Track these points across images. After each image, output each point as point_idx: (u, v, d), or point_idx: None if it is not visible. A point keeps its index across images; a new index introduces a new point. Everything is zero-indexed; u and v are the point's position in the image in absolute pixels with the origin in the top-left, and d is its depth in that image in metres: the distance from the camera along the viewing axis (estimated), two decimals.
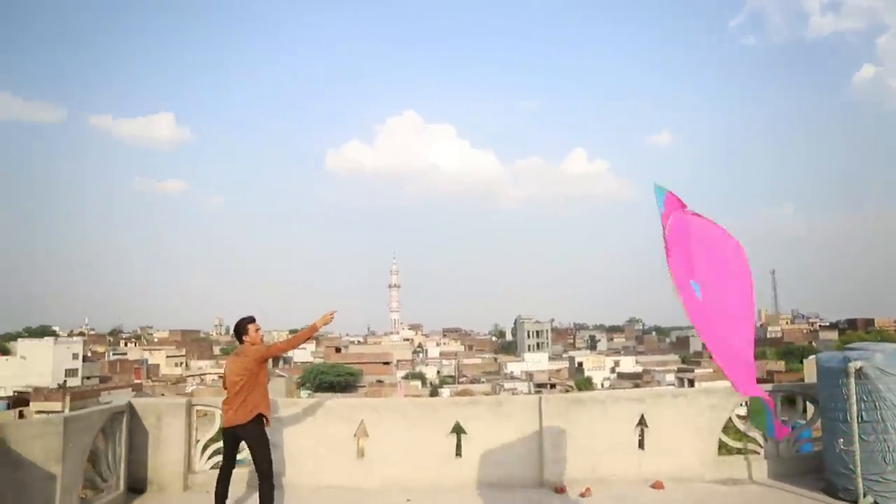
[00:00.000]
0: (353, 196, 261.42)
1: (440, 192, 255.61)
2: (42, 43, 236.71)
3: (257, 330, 5.72)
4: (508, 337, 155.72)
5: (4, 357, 75.70)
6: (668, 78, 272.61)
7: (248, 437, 5.47)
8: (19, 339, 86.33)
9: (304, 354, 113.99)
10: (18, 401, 53.22)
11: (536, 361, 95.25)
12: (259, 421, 5.49)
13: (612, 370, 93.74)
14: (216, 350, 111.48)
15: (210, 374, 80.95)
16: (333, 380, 71.00)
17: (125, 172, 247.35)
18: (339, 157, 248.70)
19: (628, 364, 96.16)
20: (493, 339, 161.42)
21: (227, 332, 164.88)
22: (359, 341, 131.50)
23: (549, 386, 71.01)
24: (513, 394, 59.51)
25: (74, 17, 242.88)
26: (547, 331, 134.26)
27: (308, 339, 6.12)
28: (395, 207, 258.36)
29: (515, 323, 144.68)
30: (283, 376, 65.18)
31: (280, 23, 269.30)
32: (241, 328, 5.65)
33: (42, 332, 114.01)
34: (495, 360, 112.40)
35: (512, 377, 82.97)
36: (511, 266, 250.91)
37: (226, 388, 5.60)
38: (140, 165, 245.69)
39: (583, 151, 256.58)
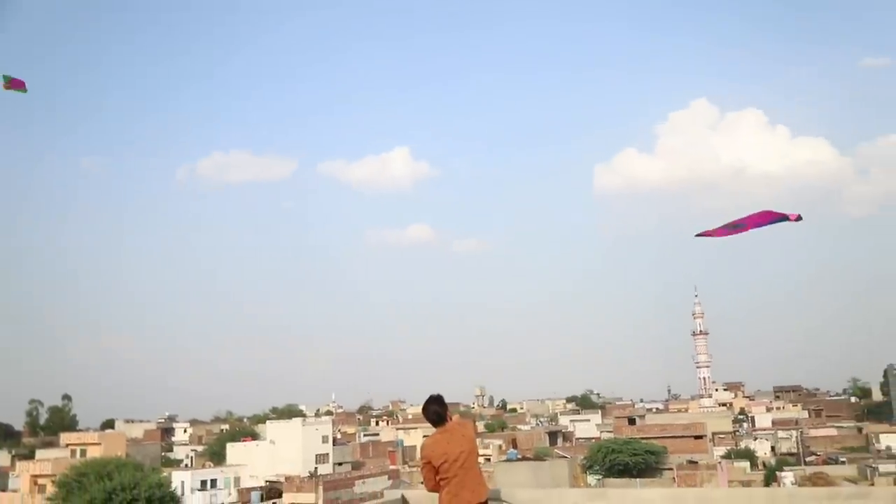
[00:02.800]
0: (633, 221, 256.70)
1: (751, 201, 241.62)
2: (269, 98, 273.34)
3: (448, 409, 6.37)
4: (876, 396, 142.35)
5: (255, 443, 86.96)
6: None
7: None
8: (267, 422, 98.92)
9: (588, 428, 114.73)
10: (271, 492, 60.67)
11: None
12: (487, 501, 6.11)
13: None
14: (480, 427, 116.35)
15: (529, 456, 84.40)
16: (629, 460, 70.01)
17: (360, 220, 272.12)
18: (610, 172, 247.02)
19: None
20: (853, 399, 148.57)
21: (492, 403, 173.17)
22: (658, 409, 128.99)
23: None
24: (895, 481, 53.41)
25: (295, 71, 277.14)
26: None
27: None
28: (692, 230, 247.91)
29: (886, 375, 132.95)
30: (563, 457, 65.87)
31: (518, 27, 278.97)
32: (443, 409, 6.24)
33: (289, 412, 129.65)
34: (859, 430, 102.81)
35: (890, 455, 74.93)
36: (867, 291, 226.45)
37: (439, 472, 6.01)
38: (375, 210, 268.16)
39: None
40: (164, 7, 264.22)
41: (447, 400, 6.34)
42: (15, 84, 11.93)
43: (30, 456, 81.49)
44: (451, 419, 6.27)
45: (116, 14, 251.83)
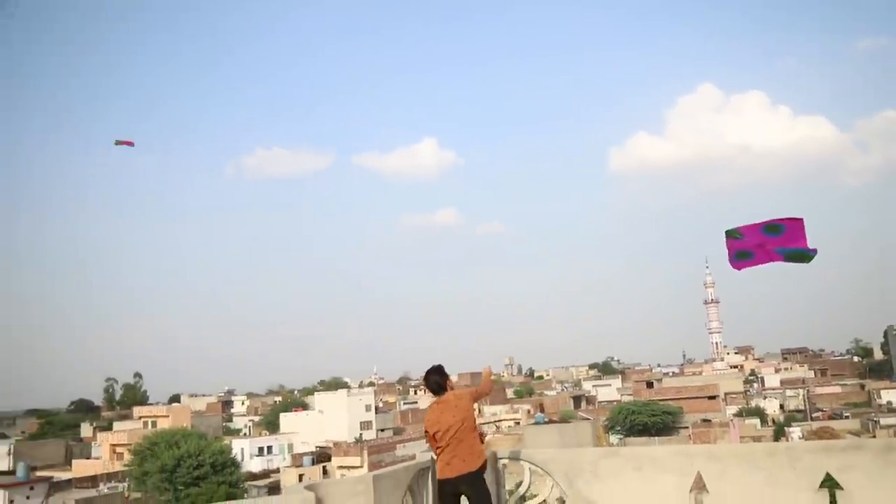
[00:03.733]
0: (646, 199, 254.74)
1: (757, 177, 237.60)
2: (305, 95, 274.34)
3: (449, 379, 6.26)
4: (877, 355, 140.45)
5: (305, 413, 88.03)
6: None
7: (475, 488, 5.77)
8: (316, 394, 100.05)
9: (609, 392, 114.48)
10: (321, 456, 61.40)
11: None
12: (485, 469, 5.93)
13: None
14: (509, 393, 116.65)
15: (506, 419, 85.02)
16: (647, 420, 69.90)
17: (393, 207, 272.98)
18: (624, 155, 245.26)
19: None
20: (855, 359, 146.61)
21: (520, 371, 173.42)
22: (674, 373, 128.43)
23: None
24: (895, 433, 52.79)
25: (326, 69, 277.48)
26: None
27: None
28: (701, 205, 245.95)
29: (887, 335, 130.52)
30: (587, 419, 65.72)
31: (535, 18, 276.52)
32: (443, 379, 6.17)
33: (335, 384, 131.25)
34: (862, 386, 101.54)
35: (890, 409, 74.02)
36: (867, 258, 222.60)
37: (435, 440, 5.97)
38: (407, 197, 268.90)
39: None
40: (206, 16, 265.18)
41: (478, 369, 6.38)
42: (126, 143, 12.27)
43: (108, 428, 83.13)
44: (451, 388, 6.15)
45: (166, 24, 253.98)
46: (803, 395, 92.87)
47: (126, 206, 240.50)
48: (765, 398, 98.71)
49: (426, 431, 6.18)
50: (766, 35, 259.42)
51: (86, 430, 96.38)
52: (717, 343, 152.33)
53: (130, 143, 12.56)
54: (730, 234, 7.67)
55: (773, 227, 7.46)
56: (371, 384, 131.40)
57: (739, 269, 7.90)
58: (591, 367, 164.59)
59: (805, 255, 7.52)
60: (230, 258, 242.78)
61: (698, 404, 76.48)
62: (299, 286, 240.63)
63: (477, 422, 6.13)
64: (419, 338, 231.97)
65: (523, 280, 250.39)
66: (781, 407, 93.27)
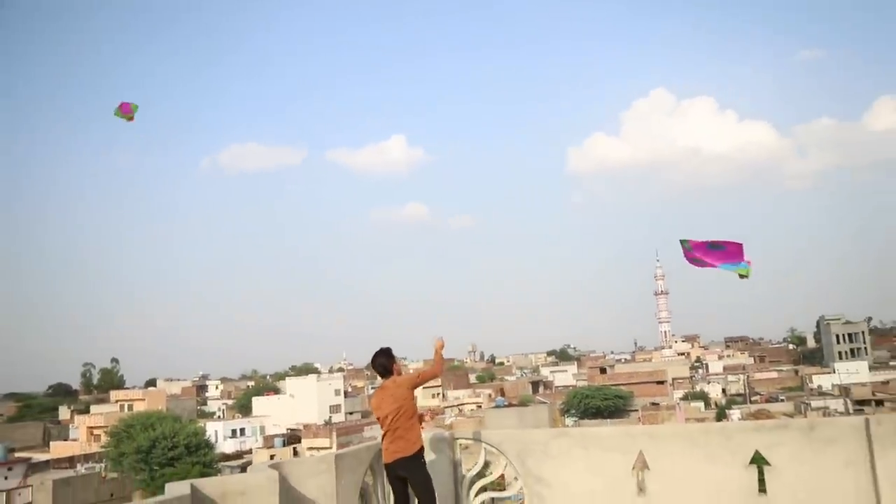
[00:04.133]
0: (602, 197, 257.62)
1: (705, 178, 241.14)
2: (279, 91, 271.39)
3: (396, 361, 6.09)
4: (810, 343, 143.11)
5: (277, 396, 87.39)
6: None
7: (412, 471, 5.76)
8: (287, 378, 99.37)
9: (565, 378, 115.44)
10: (291, 438, 61.11)
11: (852, 372, 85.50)
12: (422, 454, 5.83)
13: None
14: (472, 378, 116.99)
15: (468, 403, 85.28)
16: (601, 404, 70.73)
17: (364, 201, 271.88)
18: (582, 155, 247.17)
19: None
20: (791, 346, 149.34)
21: (482, 358, 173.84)
22: (626, 359, 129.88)
23: (873, 403, 63.31)
24: (824, 414, 54.07)
25: (301, 65, 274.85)
26: (863, 333, 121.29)
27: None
28: (653, 203, 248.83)
29: (819, 325, 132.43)
30: (544, 402, 66.31)
31: (499, 18, 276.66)
32: (389, 362, 6.01)
33: (306, 370, 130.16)
34: (796, 372, 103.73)
35: (821, 393, 75.62)
36: (804, 254, 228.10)
37: (381, 424, 5.90)
38: (377, 192, 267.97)
39: (891, 100, 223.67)
40: (183, 14, 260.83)
41: (443, 355, 6.25)
42: (125, 110, 11.38)
43: (85, 411, 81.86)
44: (397, 372, 6.03)
45: (141, 22, 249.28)
46: (743, 381, 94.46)
47: (103, 200, 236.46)
48: (708, 383, 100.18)
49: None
50: (716, 43, 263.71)
51: (64, 413, 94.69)
52: (665, 332, 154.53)
53: (130, 116, 11.73)
54: (682, 243, 8.26)
55: (716, 245, 8.08)
56: (340, 370, 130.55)
57: (694, 265, 8.53)
58: (549, 353, 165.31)
59: (744, 271, 8.08)
60: (206, 250, 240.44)
61: (648, 389, 77.57)
62: (273, 277, 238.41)
63: (416, 408, 5.98)
64: (388, 327, 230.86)
65: (488, 272, 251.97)
66: (724, 391, 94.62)
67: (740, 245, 7.99)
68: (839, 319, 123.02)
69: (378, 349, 6.13)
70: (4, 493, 41.91)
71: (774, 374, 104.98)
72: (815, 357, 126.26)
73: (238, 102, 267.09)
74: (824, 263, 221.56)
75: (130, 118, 11.44)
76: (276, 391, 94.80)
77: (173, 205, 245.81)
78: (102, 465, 52.43)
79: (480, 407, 76.61)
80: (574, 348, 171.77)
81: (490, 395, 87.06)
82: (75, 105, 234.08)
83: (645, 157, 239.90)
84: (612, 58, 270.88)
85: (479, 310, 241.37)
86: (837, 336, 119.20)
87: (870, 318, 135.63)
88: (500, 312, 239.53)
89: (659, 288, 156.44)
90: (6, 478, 46.40)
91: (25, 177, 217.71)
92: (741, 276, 8.05)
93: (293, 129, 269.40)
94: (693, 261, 8.29)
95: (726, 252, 8.00)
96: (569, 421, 69.26)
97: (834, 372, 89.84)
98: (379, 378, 6.17)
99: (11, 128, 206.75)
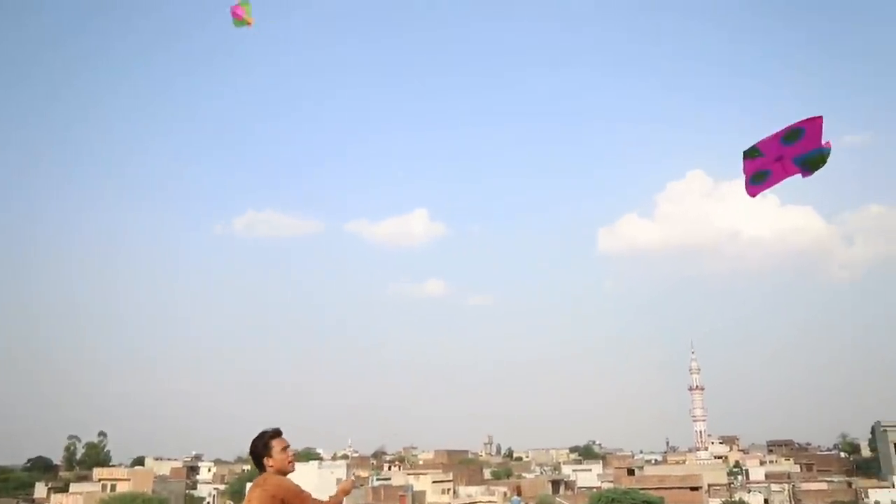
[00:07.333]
0: (633, 281, 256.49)
1: (746, 265, 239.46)
2: (299, 160, 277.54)
3: (284, 448, 5.01)
4: (865, 452, 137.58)
5: None
6: None
7: None
8: None
9: (589, 478, 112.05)
10: None
11: None
12: None
13: None
14: (487, 474, 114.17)
15: (481, 501, 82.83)
16: None
17: (382, 275, 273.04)
18: (613, 235, 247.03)
19: None
20: (842, 454, 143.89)
21: (499, 451, 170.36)
22: (656, 460, 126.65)
23: None
24: None
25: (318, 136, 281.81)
26: None
27: None
28: (689, 289, 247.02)
29: (874, 431, 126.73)
30: None
31: (531, 93, 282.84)
32: (261, 449, 4.93)
33: (307, 455, 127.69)
34: (849, 484, 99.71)
35: None
36: (856, 351, 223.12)
37: None
38: (396, 266, 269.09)
39: None
40: (200, 76, 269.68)
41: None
42: (237, 15, 11.21)
43: (64, 489, 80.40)
44: (269, 466, 4.98)
45: (154, 79, 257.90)
46: (788, 491, 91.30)
47: (110, 259, 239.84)
48: (749, 491, 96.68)
49: None
50: (754, 125, 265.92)
51: (40, 490, 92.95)
52: (701, 431, 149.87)
53: (247, 20, 11.54)
54: (748, 154, 7.48)
55: (792, 134, 7.25)
56: (345, 456, 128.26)
57: (754, 194, 7.92)
58: (573, 450, 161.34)
59: (821, 157, 7.44)
60: (209, 319, 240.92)
61: (681, 495, 74.91)
62: (277, 350, 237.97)
63: None
64: (399, 410, 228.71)
65: (507, 355, 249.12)
66: (766, 502, 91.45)
67: (819, 119, 7.19)
68: None
69: (262, 431, 5.08)
70: None
71: (824, 486, 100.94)
72: (871, 467, 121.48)
73: (258, 169, 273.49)
74: (879, 362, 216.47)
75: (248, 22, 11.07)
76: None
77: (172, 270, 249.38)
78: None
79: None
80: (600, 445, 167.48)
81: (506, 494, 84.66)
82: (83, 164, 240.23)
83: (680, 240, 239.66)
84: (647, 138, 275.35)
85: (499, 397, 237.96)
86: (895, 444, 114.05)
87: None
88: (520, 402, 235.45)
89: (694, 383, 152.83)
90: None
91: (18, 236, 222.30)
92: (821, 163, 7.31)
93: (312, 198, 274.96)
94: (755, 180, 7.51)
95: (805, 138, 7.21)
96: None
97: (893, 486, 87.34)
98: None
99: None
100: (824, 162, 7.42)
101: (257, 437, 4.94)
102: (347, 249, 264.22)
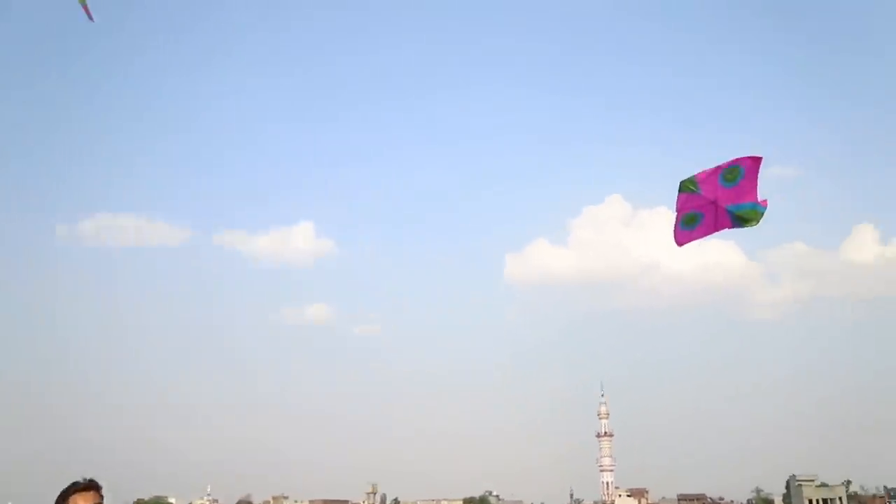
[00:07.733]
0: (541, 313, 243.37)
1: (663, 300, 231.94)
2: (163, 163, 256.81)
3: None
4: None
5: None
6: None
7: None
8: None
9: None
10: None
11: None
12: None
13: None
14: None
15: None
16: None
17: (256, 296, 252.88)
18: (522, 262, 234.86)
19: None
20: None
21: (383, 502, 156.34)
22: None
23: None
24: None
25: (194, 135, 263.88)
26: (841, 499, 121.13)
27: None
28: (602, 325, 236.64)
29: (788, 486, 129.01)
30: None
31: (438, 104, 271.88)
32: None
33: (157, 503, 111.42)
34: None
35: None
36: (772, 398, 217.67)
37: None
38: (272, 287, 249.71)
39: (871, 229, 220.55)
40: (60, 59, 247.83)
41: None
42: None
43: None
44: None
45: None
46: None
47: None
48: None
49: None
50: (676, 152, 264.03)
51: None
52: (608, 483, 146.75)
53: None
54: (685, 187, 7.47)
55: (731, 172, 7.39)
56: None
57: (681, 244, 8.21)
58: (467, 500, 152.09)
59: (755, 214, 7.74)
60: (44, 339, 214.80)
61: None
62: (124, 385, 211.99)
63: None
64: (269, 452, 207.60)
65: (395, 391, 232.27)
66: None
67: (759, 160, 7.39)
68: (812, 481, 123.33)
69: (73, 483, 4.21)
70: None
71: None
72: None
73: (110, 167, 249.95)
74: (796, 411, 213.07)
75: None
76: None
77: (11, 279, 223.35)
78: None
79: None
80: (497, 496, 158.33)
81: None
82: None
83: (594, 269, 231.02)
84: (563, 158, 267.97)
85: (384, 441, 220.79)
86: (810, 501, 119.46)
87: (848, 482, 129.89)
88: (408, 446, 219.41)
89: (602, 429, 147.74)
90: None
91: None
92: (754, 220, 7.76)
93: (180, 203, 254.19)
94: (686, 224, 7.76)
95: (743, 182, 7.38)
96: None
97: None
98: None
99: None
100: (757, 221, 7.69)
101: (60, 494, 4.27)
102: (219, 264, 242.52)
